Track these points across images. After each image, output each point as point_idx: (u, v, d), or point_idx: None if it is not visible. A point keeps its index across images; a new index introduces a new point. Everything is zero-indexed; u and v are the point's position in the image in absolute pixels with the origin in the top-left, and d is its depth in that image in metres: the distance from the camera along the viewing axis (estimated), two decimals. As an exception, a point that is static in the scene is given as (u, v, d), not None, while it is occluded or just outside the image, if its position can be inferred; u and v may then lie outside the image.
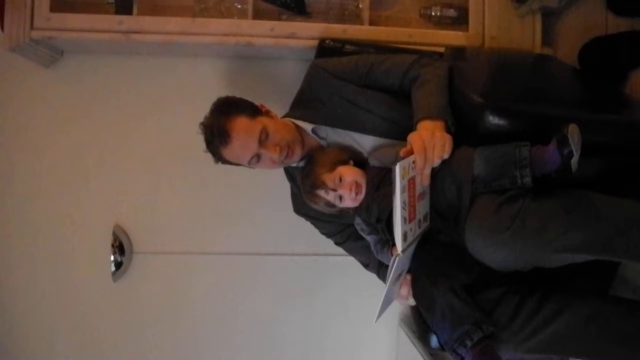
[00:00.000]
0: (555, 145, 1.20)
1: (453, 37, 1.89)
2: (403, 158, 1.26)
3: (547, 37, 1.90)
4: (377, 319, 1.34)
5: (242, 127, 1.48)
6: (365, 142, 1.51)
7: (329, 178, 1.42)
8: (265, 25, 1.88)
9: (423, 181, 1.29)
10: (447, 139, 1.30)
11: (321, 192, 1.44)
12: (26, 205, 2.07)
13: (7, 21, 1.82)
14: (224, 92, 1.66)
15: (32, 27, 1.83)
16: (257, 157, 1.50)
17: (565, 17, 1.89)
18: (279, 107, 1.67)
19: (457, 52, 1.75)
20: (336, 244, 1.76)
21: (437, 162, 1.29)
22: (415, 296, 1.44)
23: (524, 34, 1.88)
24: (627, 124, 1.44)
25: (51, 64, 2.04)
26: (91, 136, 2.07)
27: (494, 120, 1.41)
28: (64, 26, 1.85)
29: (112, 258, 2.04)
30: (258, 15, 1.95)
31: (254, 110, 1.53)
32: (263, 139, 1.48)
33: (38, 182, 2.06)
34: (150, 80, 2.07)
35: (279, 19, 1.96)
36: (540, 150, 1.25)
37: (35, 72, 2.04)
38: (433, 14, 2.00)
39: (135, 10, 1.93)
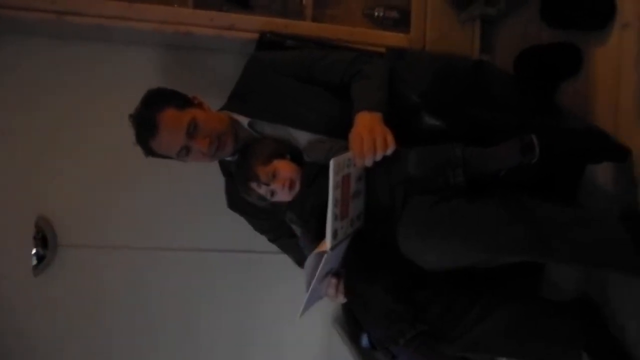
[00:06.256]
0: (516, 147, 1.22)
1: (394, 39, 1.90)
2: (338, 154, 1.25)
3: (486, 43, 1.95)
4: (301, 315, 1.33)
5: (170, 119, 1.44)
6: (301, 138, 1.50)
7: (263, 171, 1.40)
8: (205, 15, 1.84)
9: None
10: (387, 132, 1.30)
11: (254, 185, 1.41)
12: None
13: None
14: (160, 82, 1.62)
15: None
16: (187, 149, 1.47)
17: (503, 25, 1.94)
18: (216, 100, 1.63)
19: (398, 53, 1.77)
20: (270, 240, 1.74)
21: (379, 156, 1.28)
22: (347, 294, 1.43)
23: (464, 40, 1.92)
24: (558, 130, 1.49)
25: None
26: (17, 122, 1.95)
27: (430, 120, 1.43)
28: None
29: (33, 251, 1.93)
30: (198, 4, 1.90)
31: (184, 102, 1.50)
32: (192, 131, 1.44)
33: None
34: (84, 67, 1.97)
35: (220, 10, 1.91)
36: (491, 151, 1.27)
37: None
38: (376, 14, 2.01)
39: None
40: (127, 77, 1.95)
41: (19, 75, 1.95)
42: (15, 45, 1.93)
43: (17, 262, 1.94)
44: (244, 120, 1.55)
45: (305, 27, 1.86)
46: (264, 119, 1.54)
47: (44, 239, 1.95)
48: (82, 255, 1.99)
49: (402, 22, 1.99)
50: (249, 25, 1.82)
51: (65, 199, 1.98)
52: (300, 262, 1.70)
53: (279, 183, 1.39)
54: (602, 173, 1.54)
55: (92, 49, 1.96)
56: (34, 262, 1.94)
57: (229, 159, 1.61)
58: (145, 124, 1.46)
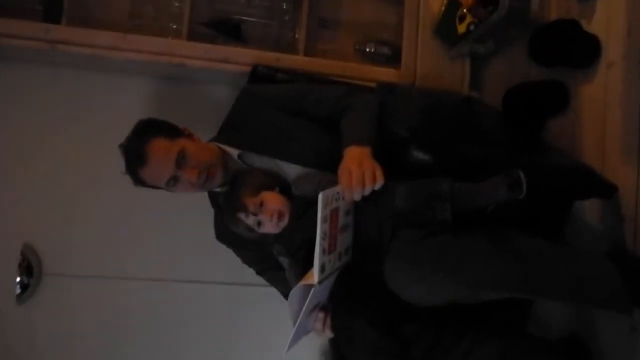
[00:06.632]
0: (503, 183, 1.23)
1: (385, 74, 1.92)
2: (326, 188, 1.25)
3: (475, 80, 1.97)
4: (287, 350, 1.31)
5: (159, 149, 1.45)
6: (290, 171, 1.50)
7: (251, 202, 1.39)
8: (199, 48, 1.85)
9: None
10: (376, 167, 1.31)
11: (241, 216, 1.40)
12: None
13: None
14: (151, 112, 1.63)
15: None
16: (175, 179, 1.47)
17: (492, 62, 1.97)
18: (207, 132, 1.64)
19: (388, 88, 1.78)
20: (257, 273, 1.72)
21: (368, 190, 1.29)
22: (333, 328, 1.42)
23: (453, 76, 1.94)
24: (545, 167, 1.50)
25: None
26: (4, 149, 1.94)
27: (419, 155, 1.44)
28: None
29: (18, 279, 1.90)
30: (193, 36, 1.92)
31: (174, 132, 1.51)
32: (181, 161, 1.45)
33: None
34: (75, 95, 1.98)
35: (214, 43, 1.93)
36: (478, 186, 1.28)
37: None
38: (367, 50, 2.03)
39: (64, 20, 1.85)
40: (118, 107, 1.96)
41: (6, 102, 1.95)
42: (5, 72, 1.94)
43: (0, 290, 1.91)
44: (234, 152, 1.56)
45: (297, 61, 1.88)
46: (254, 152, 1.54)
47: (29, 267, 1.92)
48: (68, 284, 1.96)
49: (393, 58, 2.01)
50: (241, 58, 1.84)
51: (51, 227, 1.96)
52: (287, 295, 1.69)
53: (267, 214, 1.39)
54: (589, 210, 1.55)
55: (84, 77, 1.97)
56: (18, 290, 1.91)
57: (218, 190, 1.61)
58: (135, 153, 1.46)
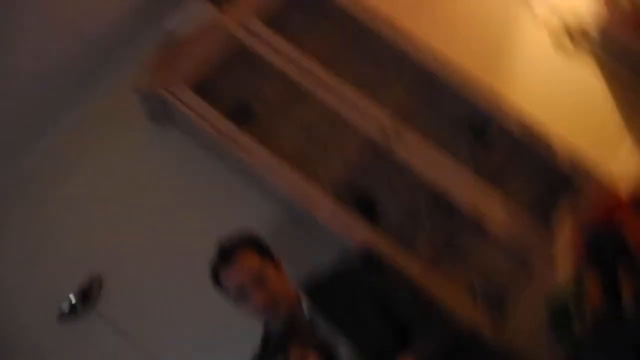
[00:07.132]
0: None
1: (481, 319, 1.89)
2: None
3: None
4: None
5: (247, 259, 1.54)
6: (344, 351, 1.49)
7: (296, 353, 1.40)
8: (335, 212, 1.98)
9: None
10: None
11: (281, 358, 1.39)
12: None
13: (157, 67, 2.05)
14: (262, 232, 1.71)
15: (165, 86, 2.04)
16: (243, 292, 1.52)
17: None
18: (293, 277, 1.66)
19: (475, 335, 1.74)
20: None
21: None
22: None
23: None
24: None
25: (154, 120, 2.23)
26: (135, 197, 2.20)
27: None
28: (187, 102, 2.05)
29: (70, 296, 1.94)
30: (333, 191, 2.06)
31: (267, 254, 1.59)
32: (257, 280, 1.51)
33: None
34: (212, 186, 2.21)
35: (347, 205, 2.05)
36: None
37: (137, 118, 2.24)
38: (476, 289, 2.02)
39: (246, 126, 2.09)
40: (240, 214, 2.13)
41: (158, 163, 2.24)
42: (174, 138, 2.23)
43: (53, 299, 1.98)
44: (306, 305, 1.58)
45: (412, 267, 1.91)
46: (325, 316, 1.56)
47: (87, 295, 1.96)
48: (105, 329, 2.00)
49: (497, 306, 1.98)
50: (363, 235, 1.94)
51: (128, 277, 2.09)
52: None
53: (305, 372, 1.37)
54: None
55: (228, 178, 2.19)
56: (66, 309, 1.95)
57: (272, 327, 1.63)
58: (225, 252, 1.56)
